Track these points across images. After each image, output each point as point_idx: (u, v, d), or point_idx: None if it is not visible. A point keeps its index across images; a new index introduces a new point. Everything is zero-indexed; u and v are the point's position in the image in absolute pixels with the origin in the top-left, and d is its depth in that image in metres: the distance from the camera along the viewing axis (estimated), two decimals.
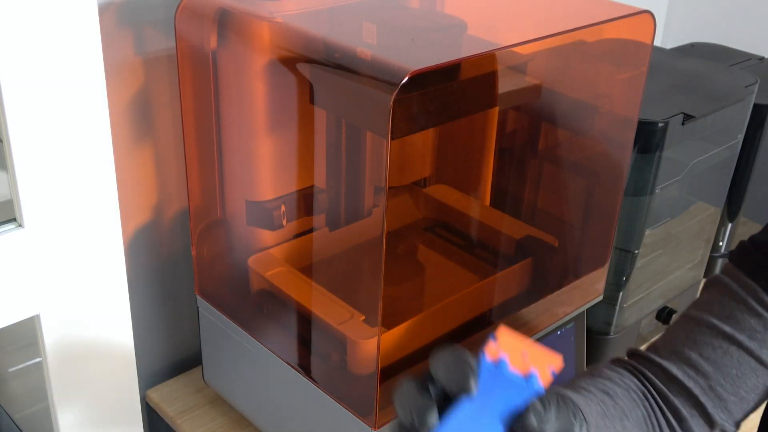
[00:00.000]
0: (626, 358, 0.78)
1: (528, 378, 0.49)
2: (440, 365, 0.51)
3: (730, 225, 1.37)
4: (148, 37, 0.98)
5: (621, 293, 1.16)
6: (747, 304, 0.71)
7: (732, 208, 1.34)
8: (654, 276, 1.22)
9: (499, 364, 0.50)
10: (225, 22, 0.88)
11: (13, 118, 0.68)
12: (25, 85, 0.68)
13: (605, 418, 0.66)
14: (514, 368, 0.50)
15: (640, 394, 0.72)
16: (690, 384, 0.71)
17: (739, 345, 0.70)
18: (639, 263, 1.15)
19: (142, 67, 0.99)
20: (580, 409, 0.61)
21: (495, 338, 0.51)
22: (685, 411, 0.71)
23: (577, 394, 0.66)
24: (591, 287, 1.08)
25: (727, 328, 0.71)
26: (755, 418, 0.92)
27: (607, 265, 1.08)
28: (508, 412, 0.51)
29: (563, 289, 1.04)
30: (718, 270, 1.37)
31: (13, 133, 0.69)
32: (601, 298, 1.09)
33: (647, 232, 1.13)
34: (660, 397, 0.72)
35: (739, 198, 1.33)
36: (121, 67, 0.97)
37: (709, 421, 0.71)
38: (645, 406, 0.71)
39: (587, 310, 1.09)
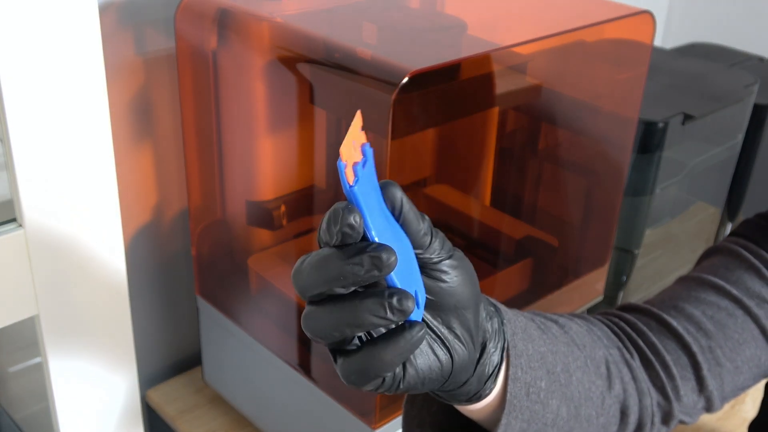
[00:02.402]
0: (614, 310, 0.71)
1: (364, 151, 0.45)
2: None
3: (730, 225, 1.36)
4: (148, 37, 0.98)
5: (621, 293, 1.16)
6: (758, 271, 0.67)
7: (732, 208, 1.34)
8: (654, 276, 1.22)
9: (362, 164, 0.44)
10: (225, 22, 0.88)
11: (14, 118, 0.68)
12: (25, 85, 0.68)
13: (543, 333, 0.56)
14: (350, 161, 0.44)
15: (606, 341, 0.64)
16: (689, 339, 0.65)
17: (746, 310, 0.66)
18: (639, 263, 1.15)
19: (142, 67, 0.99)
20: (498, 310, 0.52)
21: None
22: (677, 369, 0.65)
23: (504, 307, 0.55)
24: (591, 287, 1.08)
25: (735, 291, 0.67)
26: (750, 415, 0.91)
27: (607, 265, 1.08)
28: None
29: (563, 289, 1.04)
30: None
31: (13, 133, 0.69)
32: (601, 298, 1.09)
33: (647, 232, 1.13)
34: (650, 350, 0.65)
35: (739, 198, 1.33)
36: (121, 67, 0.97)
37: (701, 384, 0.65)
38: (612, 353, 0.63)
39: (587, 310, 1.09)
